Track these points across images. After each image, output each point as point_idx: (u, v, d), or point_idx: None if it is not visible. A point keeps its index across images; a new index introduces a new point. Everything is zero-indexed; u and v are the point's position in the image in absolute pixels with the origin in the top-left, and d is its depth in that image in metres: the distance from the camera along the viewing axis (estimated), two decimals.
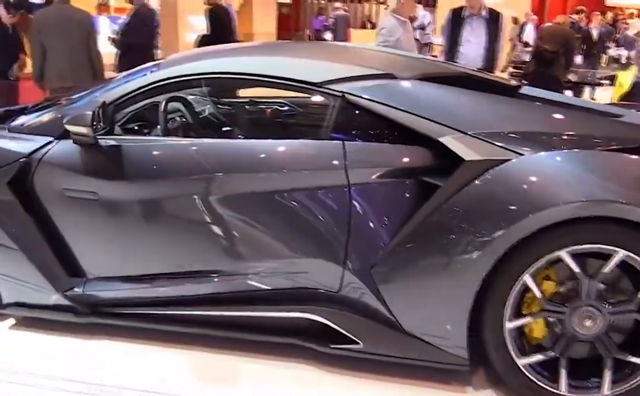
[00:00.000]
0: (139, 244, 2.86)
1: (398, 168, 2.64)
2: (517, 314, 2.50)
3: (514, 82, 3.38)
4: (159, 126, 2.99)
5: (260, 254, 2.75)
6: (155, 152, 2.82)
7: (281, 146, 2.74)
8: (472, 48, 5.73)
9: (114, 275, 2.92)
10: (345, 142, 2.67)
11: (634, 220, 2.28)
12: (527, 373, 2.51)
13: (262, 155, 2.73)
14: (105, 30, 21.21)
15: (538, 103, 2.96)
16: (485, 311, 2.49)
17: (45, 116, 3.03)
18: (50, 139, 2.89)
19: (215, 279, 2.80)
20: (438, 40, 14.33)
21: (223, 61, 3.04)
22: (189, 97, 3.43)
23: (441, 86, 2.84)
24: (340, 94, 2.72)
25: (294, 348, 2.77)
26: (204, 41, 8.93)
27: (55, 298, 2.90)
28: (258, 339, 2.80)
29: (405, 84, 2.80)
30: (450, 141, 2.56)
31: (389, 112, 2.67)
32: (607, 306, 2.43)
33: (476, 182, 2.45)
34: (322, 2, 22.57)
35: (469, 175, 2.48)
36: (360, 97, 2.70)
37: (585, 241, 2.37)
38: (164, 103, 2.97)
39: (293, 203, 2.67)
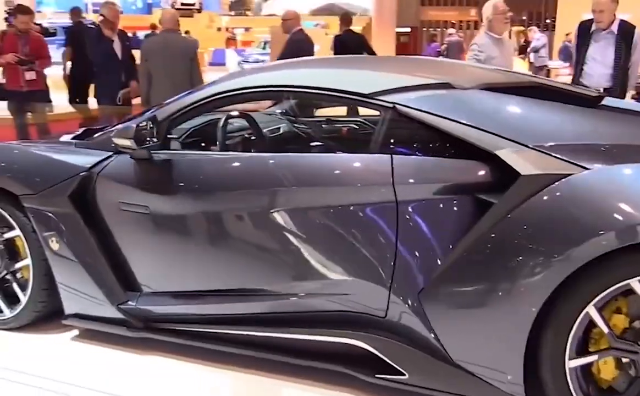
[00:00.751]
0: (186, 260, 2.79)
1: (451, 184, 2.40)
2: (582, 351, 2.16)
3: (594, 93, 3.00)
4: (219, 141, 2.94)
5: (306, 274, 2.58)
6: (204, 167, 2.76)
7: (327, 160, 2.59)
8: (597, 68, 5.26)
9: (165, 291, 2.87)
10: (394, 156, 2.46)
11: None
12: None
13: (308, 170, 2.58)
14: (233, 64, 22.21)
15: (618, 114, 2.59)
16: (543, 345, 2.17)
17: (109, 132, 3.06)
18: (110, 153, 2.90)
19: (263, 299, 2.68)
20: (554, 63, 13.63)
21: (274, 74, 2.94)
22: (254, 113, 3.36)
23: (505, 96, 2.57)
24: (391, 105, 2.52)
25: (336, 374, 2.57)
26: None
27: (110, 311, 2.89)
28: (301, 363, 2.62)
29: (463, 93, 2.55)
30: (507, 154, 2.28)
31: (442, 123, 2.43)
32: None
33: (534, 198, 2.16)
34: (438, 30, 22.25)
35: (525, 191, 2.19)
36: (412, 108, 2.49)
37: None
38: (223, 118, 2.92)
39: (338, 219, 2.49)
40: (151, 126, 2.70)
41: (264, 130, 3.23)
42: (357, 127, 3.18)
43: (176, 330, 2.83)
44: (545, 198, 2.15)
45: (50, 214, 2.90)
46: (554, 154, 2.23)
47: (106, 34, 6.92)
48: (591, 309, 2.08)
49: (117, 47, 6.97)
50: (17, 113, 6.72)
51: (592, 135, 2.37)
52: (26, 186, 2.94)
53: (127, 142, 2.68)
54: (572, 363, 2.14)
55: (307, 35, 7.46)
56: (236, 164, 2.73)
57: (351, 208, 2.47)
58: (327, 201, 2.50)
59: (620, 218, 2.03)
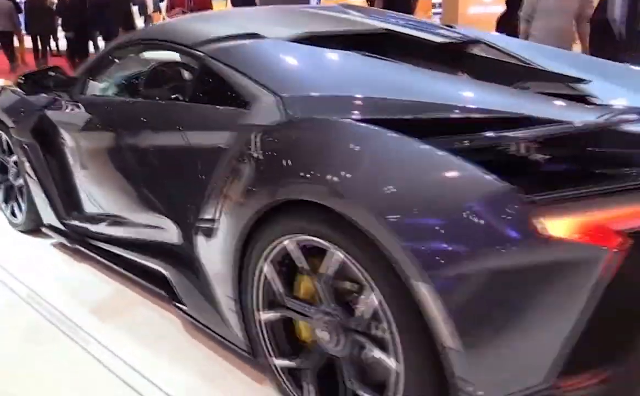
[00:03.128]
0: (88, 187, 3.21)
1: (227, 132, 2.37)
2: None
3: (457, 41, 2.58)
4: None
5: (140, 207, 2.83)
6: (97, 109, 3.12)
7: (146, 105, 2.77)
8: None
9: (85, 212, 3.35)
10: (190, 103, 2.53)
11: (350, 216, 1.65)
12: (282, 377, 2.06)
13: (132, 113, 2.80)
14: None
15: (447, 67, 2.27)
16: (244, 294, 2.12)
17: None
18: (56, 95, 3.41)
19: (126, 225, 2.98)
20: None
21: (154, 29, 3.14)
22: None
23: (311, 48, 2.40)
24: (202, 55, 2.56)
25: None
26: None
27: (59, 225, 3.46)
28: (138, 280, 2.89)
29: (262, 44, 2.46)
30: (255, 104, 2.20)
31: (226, 72, 2.41)
32: (350, 321, 1.81)
33: (236, 148, 2.10)
34: None
35: (239, 141, 2.13)
36: (212, 57, 2.50)
37: (305, 230, 1.81)
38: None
39: (148, 159, 2.68)
40: (36, 76, 3.16)
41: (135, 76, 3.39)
42: (185, 75, 3.18)
43: (93, 245, 3.28)
44: (240, 148, 2.07)
45: (23, 144, 3.54)
46: (288, 106, 2.08)
47: None
48: (265, 265, 1.97)
49: None
50: None
51: (365, 88, 2.10)
52: (12, 120, 3.62)
53: (16, 88, 3.17)
54: (260, 316, 2.06)
55: None
56: (109, 107, 3.05)
57: (157, 149, 2.63)
58: (145, 142, 2.69)
59: (279, 174, 1.87)
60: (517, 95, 2.03)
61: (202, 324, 2.46)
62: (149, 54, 3.23)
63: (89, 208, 3.30)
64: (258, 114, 2.16)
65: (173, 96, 2.80)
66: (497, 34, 3.32)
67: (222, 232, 2.13)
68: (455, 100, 1.94)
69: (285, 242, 1.87)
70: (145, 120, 2.75)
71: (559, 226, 1.41)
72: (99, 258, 3.20)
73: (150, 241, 2.80)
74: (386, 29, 2.62)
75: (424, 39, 2.59)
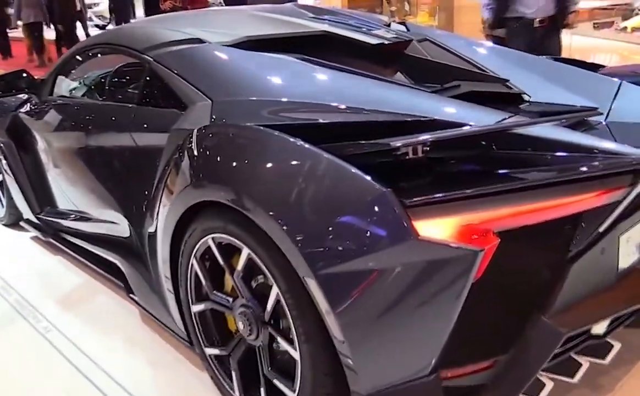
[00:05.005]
0: (58, 184, 3.30)
1: (166, 134, 2.42)
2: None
3: (388, 42, 2.62)
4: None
5: (97, 202, 2.91)
6: (61, 110, 3.20)
7: (103, 107, 2.84)
8: None
9: (56, 207, 3.44)
10: (138, 106, 2.60)
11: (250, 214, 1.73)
12: (213, 365, 2.15)
13: (92, 114, 2.88)
14: None
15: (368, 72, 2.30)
16: (180, 288, 2.20)
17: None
18: (28, 96, 3.50)
19: (87, 220, 3.07)
20: None
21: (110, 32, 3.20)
22: None
23: (247, 53, 2.44)
24: (150, 59, 2.62)
25: None
26: None
27: (33, 218, 3.56)
28: (100, 272, 2.98)
29: (203, 49, 2.51)
30: (191, 108, 2.28)
31: (170, 77, 2.47)
32: (262, 313, 1.89)
33: (168, 150, 2.18)
34: None
35: (170, 144, 2.21)
36: (157, 62, 2.56)
37: (222, 229, 1.89)
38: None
39: (105, 158, 2.76)
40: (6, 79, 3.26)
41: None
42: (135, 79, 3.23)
43: (64, 239, 3.38)
44: (172, 150, 2.15)
45: (0, 143, 3.63)
46: (218, 110, 2.15)
47: None
48: (194, 261, 2.05)
49: None
50: None
51: (287, 92, 2.18)
52: None
53: None
54: (193, 308, 2.14)
55: None
56: (72, 108, 3.14)
57: (113, 150, 2.70)
58: (102, 143, 2.78)
59: (196, 177, 1.95)
60: (429, 98, 2.08)
61: (151, 315, 2.55)
62: (109, 57, 3.29)
63: (60, 203, 3.39)
64: (190, 118, 2.22)
65: (127, 98, 2.86)
66: (448, 33, 3.34)
67: (160, 229, 2.21)
68: (373, 104, 1.99)
69: (208, 240, 1.95)
70: (102, 121, 2.83)
71: (431, 227, 1.48)
72: (68, 250, 3.29)
73: (108, 235, 2.88)
74: (325, 31, 2.66)
75: (362, 40, 2.63)
